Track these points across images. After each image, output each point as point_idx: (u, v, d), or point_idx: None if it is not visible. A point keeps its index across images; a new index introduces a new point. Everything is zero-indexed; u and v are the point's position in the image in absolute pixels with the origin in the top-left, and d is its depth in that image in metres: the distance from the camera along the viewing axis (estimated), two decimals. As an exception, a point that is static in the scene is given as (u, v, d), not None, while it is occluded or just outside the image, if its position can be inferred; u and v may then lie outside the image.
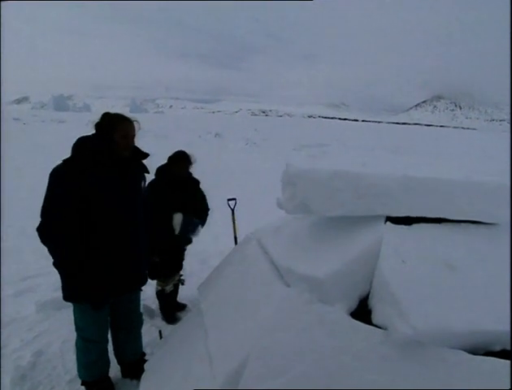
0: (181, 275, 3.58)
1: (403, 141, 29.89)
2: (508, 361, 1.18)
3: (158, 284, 3.39)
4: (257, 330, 1.49)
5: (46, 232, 1.92)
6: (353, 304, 1.45)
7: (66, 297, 2.09)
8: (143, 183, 2.33)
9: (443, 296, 1.31)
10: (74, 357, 2.82)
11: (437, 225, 1.62)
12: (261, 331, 1.46)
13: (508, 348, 1.25)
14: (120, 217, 2.09)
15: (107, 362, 2.46)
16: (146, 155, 2.26)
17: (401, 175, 1.62)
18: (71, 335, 3.08)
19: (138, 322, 2.62)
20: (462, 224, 1.64)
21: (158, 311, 3.55)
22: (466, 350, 1.22)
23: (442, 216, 1.61)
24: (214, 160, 14.15)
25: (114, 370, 2.59)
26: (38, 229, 1.93)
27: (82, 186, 1.91)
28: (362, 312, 1.44)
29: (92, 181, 1.94)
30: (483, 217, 1.64)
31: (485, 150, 23.99)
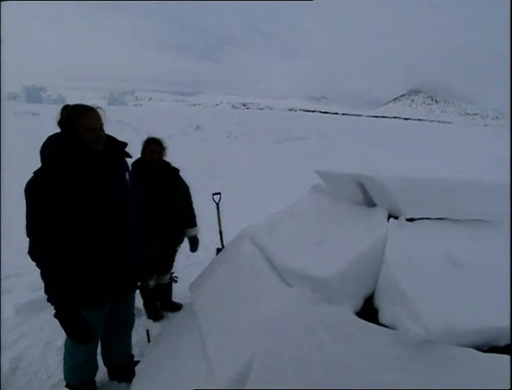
0: (173, 273, 3.52)
1: (384, 135, 30.41)
2: None
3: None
4: (260, 332, 1.44)
5: (40, 253, 1.76)
6: (358, 303, 1.43)
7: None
8: (127, 174, 2.15)
9: (450, 294, 1.30)
10: (57, 359, 2.73)
11: (439, 221, 1.62)
12: (265, 334, 1.41)
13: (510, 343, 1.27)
14: (107, 219, 1.94)
15: (96, 365, 2.37)
16: (124, 145, 2.09)
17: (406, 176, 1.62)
18: (52, 337, 2.98)
19: (130, 324, 2.52)
20: (464, 221, 1.65)
21: (143, 309, 3.47)
22: (471, 346, 1.22)
23: (446, 216, 1.63)
24: (196, 153, 13.98)
25: (101, 372, 2.52)
26: (30, 252, 1.77)
27: (61, 197, 1.75)
28: (367, 311, 1.42)
29: (70, 190, 1.78)
30: (484, 215, 1.66)
31: (460, 144, 24.70)
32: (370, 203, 1.82)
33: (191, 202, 3.38)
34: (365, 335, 1.27)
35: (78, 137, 1.84)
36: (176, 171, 3.24)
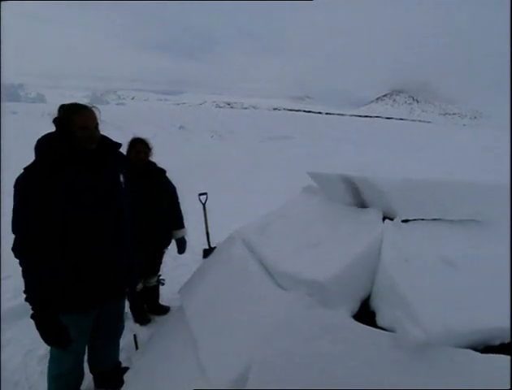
0: (160, 276, 3.45)
1: (367, 134, 30.82)
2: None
3: (126, 284, 3.24)
4: (256, 338, 1.40)
5: (25, 249, 1.70)
6: (355, 306, 1.41)
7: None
8: (122, 176, 2.12)
9: (447, 295, 1.30)
10: (39, 368, 2.62)
11: (434, 222, 1.63)
12: (262, 340, 1.38)
13: (506, 341, 1.27)
14: (100, 219, 1.89)
15: (82, 373, 2.28)
16: (118, 145, 2.07)
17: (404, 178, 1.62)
18: (34, 345, 2.86)
19: (120, 330, 2.44)
20: (457, 221, 1.66)
21: (129, 313, 3.39)
22: (468, 347, 1.23)
23: (440, 217, 1.63)
24: (180, 153, 13.84)
25: (86, 380, 2.42)
26: (14, 248, 1.70)
27: (54, 194, 1.72)
28: (364, 313, 1.40)
29: (63, 187, 1.75)
30: (476, 216, 1.67)
31: (441, 143, 25.25)
32: (363, 204, 1.81)
33: (178, 203, 3.32)
34: (364, 340, 1.25)
35: (71, 135, 1.82)
36: (163, 171, 3.18)
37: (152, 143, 3.10)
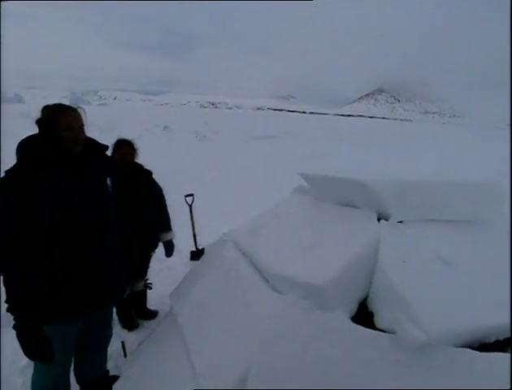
0: (147, 279, 3.38)
1: (351, 133, 31.14)
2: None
3: (113, 289, 3.15)
4: (254, 343, 1.37)
5: (7, 255, 1.62)
6: (353, 308, 1.40)
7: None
8: (109, 179, 2.07)
9: (444, 295, 1.31)
10: (20, 380, 2.51)
11: (428, 222, 1.64)
12: (260, 344, 1.35)
13: (501, 338, 1.29)
14: (89, 220, 1.83)
15: (68, 384, 2.19)
16: (104, 148, 2.01)
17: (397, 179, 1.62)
18: (16, 356, 2.75)
19: (108, 338, 2.35)
20: (451, 221, 1.67)
21: (116, 319, 3.30)
22: (465, 345, 1.23)
23: (434, 218, 1.63)
24: (165, 154, 13.67)
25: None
26: None
27: (39, 196, 1.65)
28: (361, 315, 1.39)
29: (48, 188, 1.69)
30: (469, 215, 1.69)
31: (423, 142, 25.75)
32: (355, 205, 1.80)
33: (165, 205, 3.25)
34: (363, 342, 1.24)
35: (56, 136, 1.76)
36: (149, 173, 3.11)
37: (137, 144, 3.03)
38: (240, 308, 1.62)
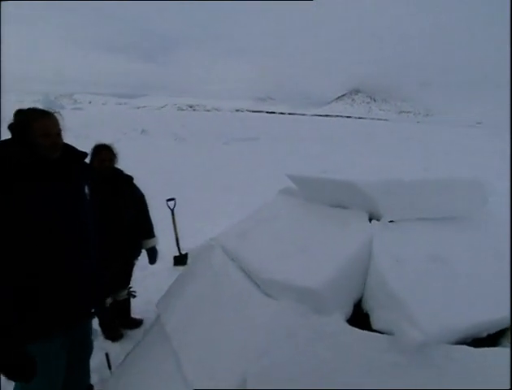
0: (130, 287, 3.29)
1: (330, 133, 31.56)
2: (508, 350, 1.23)
3: (95, 299, 3.05)
4: (250, 351, 1.33)
5: None
6: (349, 310, 1.39)
7: None
8: (87, 187, 1.96)
9: (439, 293, 1.31)
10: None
11: (419, 221, 1.65)
12: (256, 352, 1.31)
13: (492, 332, 1.31)
14: (63, 232, 1.73)
15: None
16: (83, 155, 1.92)
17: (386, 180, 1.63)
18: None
19: (89, 352, 2.22)
20: (441, 219, 1.70)
21: (99, 330, 3.19)
22: (459, 341, 1.24)
23: (424, 216, 1.66)
24: (143, 158, 13.45)
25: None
26: None
27: (12, 206, 1.56)
28: (356, 316, 1.39)
29: (20, 197, 1.59)
30: (458, 212, 1.72)
31: (400, 141, 26.40)
32: (347, 206, 1.80)
33: (147, 211, 3.18)
34: (361, 344, 1.23)
35: (32, 143, 1.66)
36: (130, 178, 3.03)
37: (117, 149, 2.95)
38: (232, 315, 1.57)
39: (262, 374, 1.25)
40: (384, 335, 1.26)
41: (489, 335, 1.33)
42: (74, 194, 1.84)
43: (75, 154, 1.90)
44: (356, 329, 1.29)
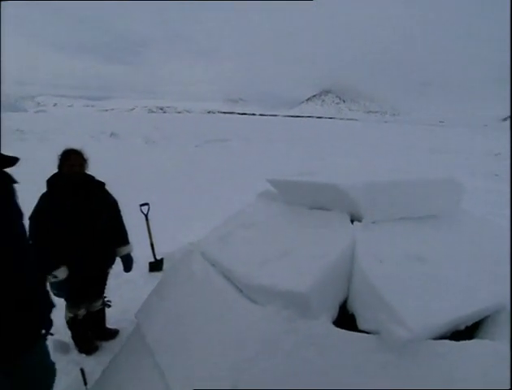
0: (105, 297, 3.15)
1: (301, 133, 31.98)
2: (487, 341, 1.29)
3: (68, 311, 2.91)
4: (237, 360, 1.31)
5: None
6: (335, 313, 1.39)
7: None
8: (12, 198, 1.59)
9: (421, 291, 1.34)
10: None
11: (399, 221, 1.69)
12: (244, 360, 1.29)
13: (469, 324, 1.36)
14: None
15: None
16: (12, 161, 1.55)
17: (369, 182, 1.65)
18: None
19: (50, 380, 1.90)
20: (419, 218, 1.75)
21: (73, 343, 3.03)
22: (441, 336, 1.27)
23: (403, 216, 1.70)
24: (114, 162, 13.08)
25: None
26: None
27: None
28: (342, 318, 1.39)
29: None
30: (434, 211, 1.77)
31: (371, 140, 27.17)
32: (329, 208, 1.81)
33: (121, 217, 3.06)
34: (349, 346, 1.24)
35: None
36: (101, 184, 2.91)
37: (87, 154, 2.81)
38: (216, 324, 1.54)
39: (250, 383, 1.23)
40: (371, 335, 1.28)
41: (467, 327, 1.38)
42: None
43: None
44: (343, 331, 1.30)
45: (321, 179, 1.76)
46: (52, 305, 1.79)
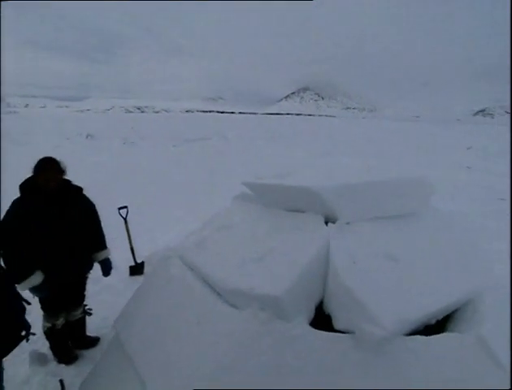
0: (86, 305, 3.07)
1: (281, 130, 32.11)
2: (457, 334, 1.33)
3: (45, 321, 2.83)
4: (216, 365, 1.31)
5: None
6: (311, 314, 1.42)
7: None
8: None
9: (393, 289, 1.38)
10: None
11: (372, 221, 1.73)
12: (222, 366, 1.30)
13: (439, 319, 1.42)
14: None
15: None
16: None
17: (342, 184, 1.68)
18: None
19: None
20: (391, 217, 1.79)
21: (51, 354, 2.95)
22: (413, 331, 1.32)
23: (375, 216, 1.74)
24: (90, 165, 12.78)
25: None
26: None
27: None
28: (318, 318, 1.42)
29: None
30: (406, 209, 1.82)
31: (345, 135, 27.58)
32: (304, 210, 1.84)
33: (99, 222, 2.99)
34: (326, 346, 1.26)
35: None
36: (79, 189, 2.82)
37: (65, 163, 2.66)
38: (195, 328, 1.54)
39: (229, 384, 1.24)
40: (347, 334, 1.31)
41: (437, 321, 1.44)
42: None
43: None
44: (319, 331, 1.32)
45: (295, 182, 1.78)
46: (24, 308, 1.75)
